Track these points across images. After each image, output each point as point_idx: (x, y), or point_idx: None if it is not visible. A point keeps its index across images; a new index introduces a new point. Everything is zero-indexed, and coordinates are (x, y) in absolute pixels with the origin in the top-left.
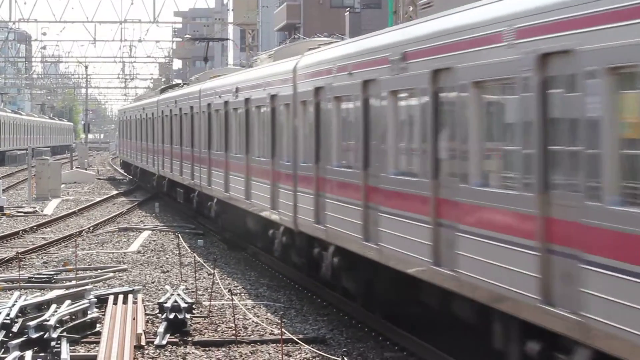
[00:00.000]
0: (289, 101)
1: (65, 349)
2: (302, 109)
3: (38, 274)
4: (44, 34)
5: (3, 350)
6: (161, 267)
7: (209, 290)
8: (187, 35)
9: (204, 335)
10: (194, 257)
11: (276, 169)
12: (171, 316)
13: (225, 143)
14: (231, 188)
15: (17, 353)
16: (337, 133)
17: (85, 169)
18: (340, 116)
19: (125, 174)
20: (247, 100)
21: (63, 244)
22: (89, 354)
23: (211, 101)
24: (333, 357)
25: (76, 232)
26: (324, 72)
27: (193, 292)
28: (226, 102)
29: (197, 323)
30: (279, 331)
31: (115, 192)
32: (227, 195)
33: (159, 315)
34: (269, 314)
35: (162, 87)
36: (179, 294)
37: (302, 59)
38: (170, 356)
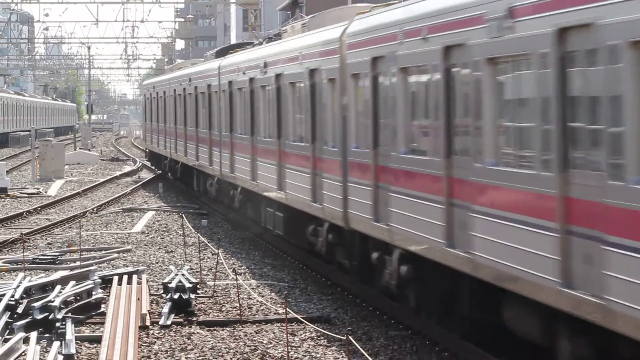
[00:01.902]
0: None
1: (70, 330)
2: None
3: (42, 255)
4: (47, 15)
5: (8, 331)
6: (165, 247)
7: (213, 270)
8: (190, 16)
9: (208, 315)
10: (198, 237)
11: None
12: (176, 296)
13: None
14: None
15: (22, 334)
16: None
17: (89, 150)
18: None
19: (153, 167)
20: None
21: (67, 225)
22: (93, 334)
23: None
24: (338, 336)
25: (80, 213)
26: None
27: (197, 272)
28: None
29: (202, 303)
30: (284, 311)
31: (118, 172)
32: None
33: (164, 295)
34: (273, 294)
35: (220, 48)
36: (183, 274)
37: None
38: (175, 336)
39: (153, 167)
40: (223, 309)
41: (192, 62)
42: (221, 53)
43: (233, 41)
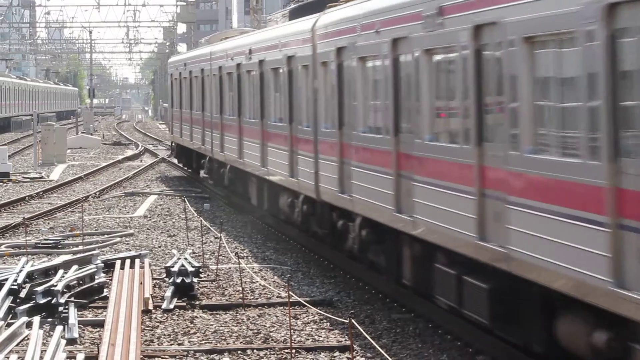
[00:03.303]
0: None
1: (73, 314)
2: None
3: (45, 239)
4: None
5: (11, 315)
6: (168, 231)
7: (216, 254)
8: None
9: (211, 299)
10: (201, 221)
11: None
12: (178, 280)
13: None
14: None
15: (24, 318)
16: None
17: (91, 134)
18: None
19: (184, 166)
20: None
21: (69, 209)
22: (96, 318)
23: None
24: (340, 319)
25: (82, 197)
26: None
27: (200, 256)
28: None
29: (204, 287)
30: (286, 294)
31: (121, 157)
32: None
33: (166, 279)
34: (275, 277)
35: (295, 6)
36: (185, 258)
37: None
38: (177, 320)
39: (181, 165)
40: (226, 293)
41: (241, 31)
42: (297, 14)
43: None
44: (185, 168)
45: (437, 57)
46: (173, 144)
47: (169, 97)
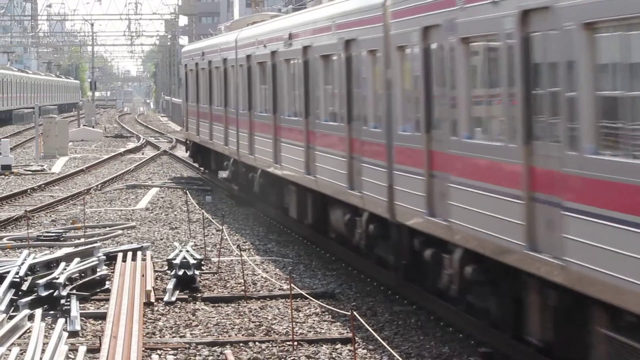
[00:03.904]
0: None
1: (74, 307)
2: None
3: (47, 232)
4: None
5: (13, 308)
6: (169, 223)
7: (218, 246)
8: None
9: (213, 291)
10: (202, 213)
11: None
12: (180, 273)
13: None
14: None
15: (26, 311)
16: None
17: (93, 127)
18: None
19: (200, 167)
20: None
21: (71, 202)
22: (98, 311)
23: None
24: (342, 312)
25: (84, 190)
26: None
27: (202, 248)
28: None
29: (206, 279)
30: (288, 286)
31: (122, 149)
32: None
33: (168, 272)
34: (277, 270)
35: None
36: (187, 251)
37: None
38: (179, 312)
39: (196, 165)
40: (227, 285)
41: (271, 15)
42: None
43: (236, 17)
44: (202, 168)
45: None
46: (188, 142)
47: (182, 91)
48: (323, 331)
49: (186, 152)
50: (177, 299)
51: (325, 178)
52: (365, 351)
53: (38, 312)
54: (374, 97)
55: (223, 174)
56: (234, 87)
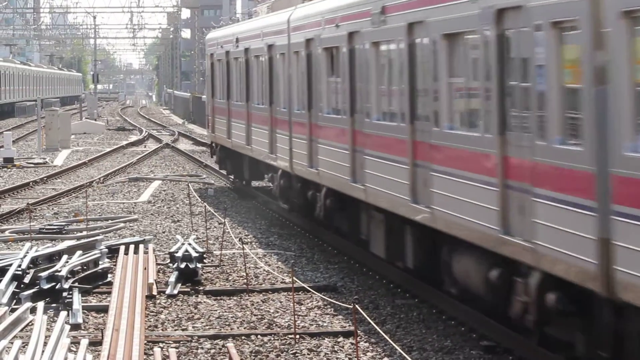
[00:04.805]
0: None
1: (77, 300)
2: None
3: (49, 225)
4: None
5: (15, 301)
6: (172, 216)
7: (220, 239)
8: None
9: (215, 284)
10: (205, 206)
11: None
12: (182, 266)
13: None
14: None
15: (29, 304)
16: None
17: (95, 120)
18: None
19: (228, 175)
20: None
21: (73, 195)
22: (100, 304)
23: None
24: (344, 305)
25: (86, 183)
26: None
27: (204, 241)
28: None
29: (208, 272)
30: (290, 280)
31: (125, 142)
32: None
33: (170, 265)
34: (279, 263)
35: None
36: (189, 244)
37: None
38: (181, 305)
39: (224, 172)
40: (230, 278)
41: None
42: None
43: (239, 11)
44: (232, 177)
45: None
46: (213, 145)
47: (206, 84)
48: (325, 324)
49: (211, 156)
50: (179, 292)
51: (450, 212)
52: (367, 344)
53: (40, 305)
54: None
55: (268, 182)
56: (284, 81)
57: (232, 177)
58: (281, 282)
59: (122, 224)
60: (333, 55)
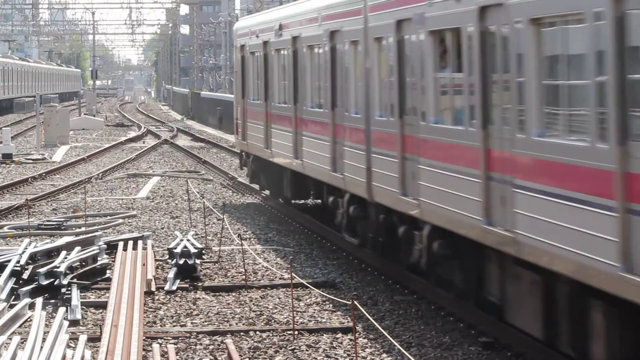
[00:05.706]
0: None
1: (75, 296)
2: None
3: (47, 220)
4: None
5: (14, 297)
6: (170, 212)
7: (219, 235)
8: None
9: (214, 280)
10: (203, 202)
11: None
12: (181, 262)
13: None
14: None
15: (27, 300)
16: None
17: (94, 116)
18: None
19: (262, 189)
20: None
21: (72, 191)
22: (99, 300)
23: None
24: (343, 301)
25: (85, 179)
26: None
27: (202, 237)
28: None
29: (207, 268)
30: (289, 276)
31: (123, 138)
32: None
33: (169, 261)
34: (278, 259)
35: None
36: (188, 240)
37: None
38: (180, 301)
39: (258, 187)
40: (228, 274)
41: None
42: None
43: (237, 7)
44: (268, 192)
45: None
46: (243, 155)
47: (235, 82)
48: (324, 320)
49: (240, 168)
50: (178, 288)
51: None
52: (365, 340)
53: (39, 301)
54: None
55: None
56: (355, 78)
57: (268, 192)
58: (280, 278)
59: (120, 220)
60: (445, 41)
